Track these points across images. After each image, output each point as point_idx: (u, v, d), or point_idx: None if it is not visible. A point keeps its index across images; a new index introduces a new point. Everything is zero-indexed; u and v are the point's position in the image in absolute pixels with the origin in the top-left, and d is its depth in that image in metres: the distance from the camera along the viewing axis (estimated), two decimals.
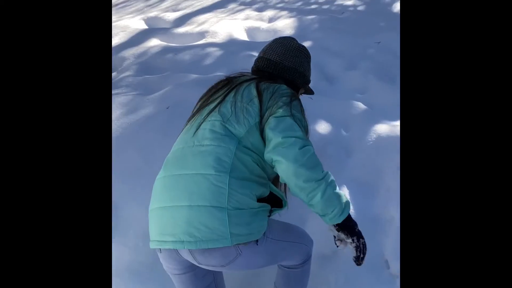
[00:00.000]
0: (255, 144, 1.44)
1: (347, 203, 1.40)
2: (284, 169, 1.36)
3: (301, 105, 1.52)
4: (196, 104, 1.62)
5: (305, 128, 1.47)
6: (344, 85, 2.73)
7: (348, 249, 1.45)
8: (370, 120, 2.25)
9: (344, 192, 1.72)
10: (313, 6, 4.29)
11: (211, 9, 4.27)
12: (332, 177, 1.38)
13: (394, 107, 2.43)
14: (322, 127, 2.25)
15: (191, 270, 1.49)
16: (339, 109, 2.33)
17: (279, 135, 1.38)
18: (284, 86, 1.53)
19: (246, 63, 1.87)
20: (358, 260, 1.43)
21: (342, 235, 1.42)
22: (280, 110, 1.42)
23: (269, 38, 3.47)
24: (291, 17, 3.92)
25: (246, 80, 1.56)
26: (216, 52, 3.09)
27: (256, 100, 1.47)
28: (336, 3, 4.39)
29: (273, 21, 3.91)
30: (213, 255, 1.36)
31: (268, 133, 1.41)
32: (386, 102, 2.41)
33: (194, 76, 2.54)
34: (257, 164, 1.43)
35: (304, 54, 1.66)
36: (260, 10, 4.21)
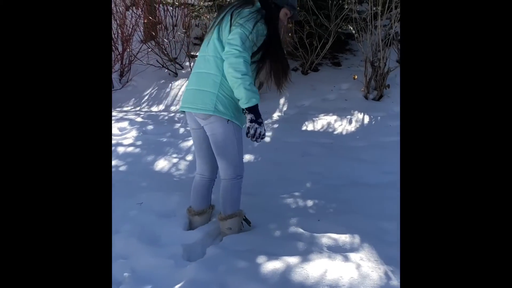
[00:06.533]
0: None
1: (254, 100, 2.39)
2: (225, 67, 2.38)
3: (257, 22, 2.42)
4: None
5: (250, 38, 2.39)
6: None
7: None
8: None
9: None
10: None
11: None
12: (249, 81, 2.35)
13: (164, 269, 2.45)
14: None
15: (201, 127, 2.63)
16: None
17: (226, 46, 2.39)
18: (247, 11, 2.45)
19: None
20: (247, 136, 2.46)
21: (248, 121, 2.44)
22: (233, 28, 2.42)
23: None
24: None
25: (231, 8, 2.52)
26: None
27: (229, 25, 2.47)
28: None
29: None
30: (202, 116, 2.53)
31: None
32: (149, 265, 2.43)
33: None
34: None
35: None
36: None
